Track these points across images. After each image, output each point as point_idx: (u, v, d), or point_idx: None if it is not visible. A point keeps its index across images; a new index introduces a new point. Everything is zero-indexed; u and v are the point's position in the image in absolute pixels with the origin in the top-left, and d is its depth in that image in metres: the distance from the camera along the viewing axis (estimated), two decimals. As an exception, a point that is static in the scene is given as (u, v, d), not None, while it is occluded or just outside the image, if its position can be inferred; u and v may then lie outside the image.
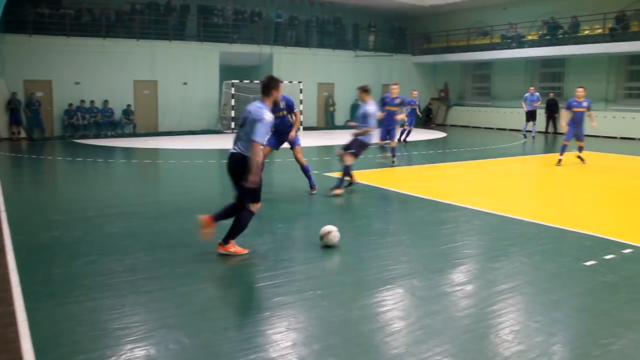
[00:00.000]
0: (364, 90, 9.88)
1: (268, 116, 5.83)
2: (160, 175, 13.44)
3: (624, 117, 23.90)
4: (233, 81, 24.21)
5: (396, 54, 30.83)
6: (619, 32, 23.63)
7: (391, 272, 5.70)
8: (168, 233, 7.13)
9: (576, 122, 13.91)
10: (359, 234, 7.27)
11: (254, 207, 6.05)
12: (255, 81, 25.06)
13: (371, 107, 9.80)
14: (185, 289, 5.13)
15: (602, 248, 6.69)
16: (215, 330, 4.28)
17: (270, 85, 6.07)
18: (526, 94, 22.44)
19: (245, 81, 24.67)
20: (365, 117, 9.80)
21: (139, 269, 5.66)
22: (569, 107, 14.12)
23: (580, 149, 14.28)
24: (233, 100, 24.08)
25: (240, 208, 6.04)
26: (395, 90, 13.99)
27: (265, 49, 26.13)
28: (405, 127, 19.53)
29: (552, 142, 21.91)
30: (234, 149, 6.04)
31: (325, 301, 4.93)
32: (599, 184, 11.97)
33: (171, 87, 23.60)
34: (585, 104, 13.89)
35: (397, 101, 13.89)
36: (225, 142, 19.79)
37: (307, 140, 20.68)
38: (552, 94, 25.77)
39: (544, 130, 25.79)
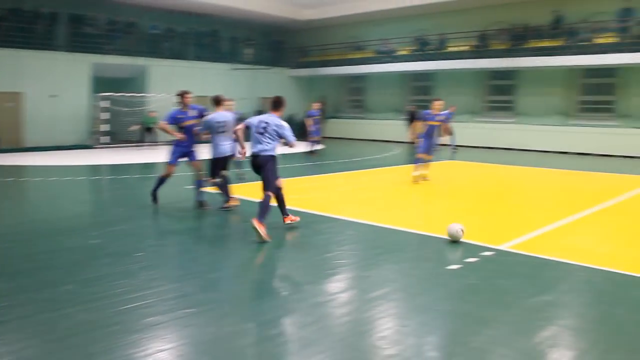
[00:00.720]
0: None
1: (285, 123, 7.89)
2: (24, 195, 12.62)
3: (487, 128, 25.60)
4: (106, 94, 23.32)
5: (273, 67, 31.10)
6: (481, 50, 25.32)
7: (264, 285, 5.73)
8: (31, 256, 6.71)
9: (429, 135, 13.41)
10: (233, 250, 7.24)
11: (280, 183, 7.97)
12: (128, 94, 24.29)
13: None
14: (47, 316, 4.85)
15: (465, 252, 7.10)
16: (81, 358, 4.08)
17: (280, 103, 8.05)
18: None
19: (118, 94, 23.85)
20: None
21: (-4, 296, 5.29)
22: (424, 120, 13.57)
23: (427, 162, 13.71)
24: (106, 114, 23.17)
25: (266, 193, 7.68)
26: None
27: (140, 61, 25.42)
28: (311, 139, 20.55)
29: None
30: (256, 151, 7.74)
31: (196, 319, 4.85)
32: (463, 191, 12.67)
33: (38, 100, 22.20)
34: (442, 117, 13.47)
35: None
36: (97, 158, 19.04)
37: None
38: (411, 107, 27.30)
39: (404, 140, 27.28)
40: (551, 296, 5.56)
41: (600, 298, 5.65)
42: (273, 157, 7.82)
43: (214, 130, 9.49)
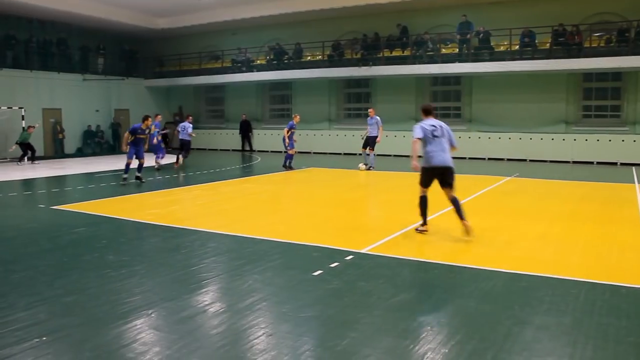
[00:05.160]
0: None
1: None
2: None
3: (345, 135, 26.38)
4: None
5: (128, 78, 30.04)
6: (336, 59, 26.09)
7: (125, 305, 5.47)
8: None
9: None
10: (89, 270, 6.85)
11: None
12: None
13: None
14: None
15: (327, 257, 7.24)
16: None
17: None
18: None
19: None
20: None
21: None
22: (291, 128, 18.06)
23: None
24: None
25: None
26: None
27: (-24, 71, 23.52)
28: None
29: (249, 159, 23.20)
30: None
31: (52, 347, 4.53)
32: (321, 198, 12.95)
33: None
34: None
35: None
36: None
37: (34, 171, 19.08)
38: (244, 115, 27.84)
39: (240, 148, 27.87)
40: (410, 294, 5.83)
41: (454, 292, 6.01)
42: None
43: None
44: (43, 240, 8.67)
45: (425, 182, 8.51)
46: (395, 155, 24.31)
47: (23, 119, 23.06)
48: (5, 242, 8.65)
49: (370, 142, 18.55)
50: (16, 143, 21.86)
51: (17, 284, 6.29)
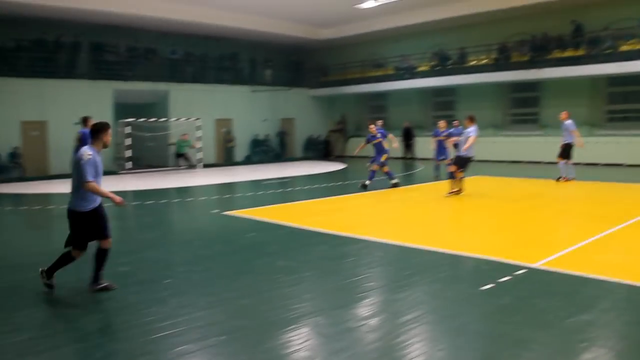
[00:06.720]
0: None
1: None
2: (52, 223, 12.67)
3: (511, 142, 25.29)
4: (128, 120, 23.55)
5: (293, 88, 31.20)
6: (502, 62, 25.09)
7: (295, 311, 5.62)
8: (58, 285, 6.64)
9: (441, 147, 17.88)
10: (261, 274, 7.15)
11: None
12: (150, 119, 24.49)
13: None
14: (78, 347, 4.79)
15: (497, 271, 6.91)
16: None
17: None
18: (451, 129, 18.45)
19: (140, 119, 24.05)
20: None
21: (27, 327, 5.25)
22: (435, 135, 17.95)
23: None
24: (129, 139, 23.40)
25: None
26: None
27: (161, 86, 25.69)
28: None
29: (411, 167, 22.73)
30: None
31: (229, 347, 4.77)
32: (491, 206, 12.47)
33: (62, 128, 22.27)
34: (446, 132, 17.62)
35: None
36: (121, 183, 19.14)
37: (207, 178, 20.40)
38: (406, 122, 27.20)
39: (402, 156, 27.38)
40: (591, 315, 5.37)
41: (642, 316, 5.46)
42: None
43: None
44: (218, 244, 9.22)
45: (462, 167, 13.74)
46: (576, 164, 22.79)
47: (199, 129, 24.82)
48: (186, 244, 9.32)
49: (563, 150, 17.05)
50: (178, 154, 24.12)
51: (196, 284, 6.72)
